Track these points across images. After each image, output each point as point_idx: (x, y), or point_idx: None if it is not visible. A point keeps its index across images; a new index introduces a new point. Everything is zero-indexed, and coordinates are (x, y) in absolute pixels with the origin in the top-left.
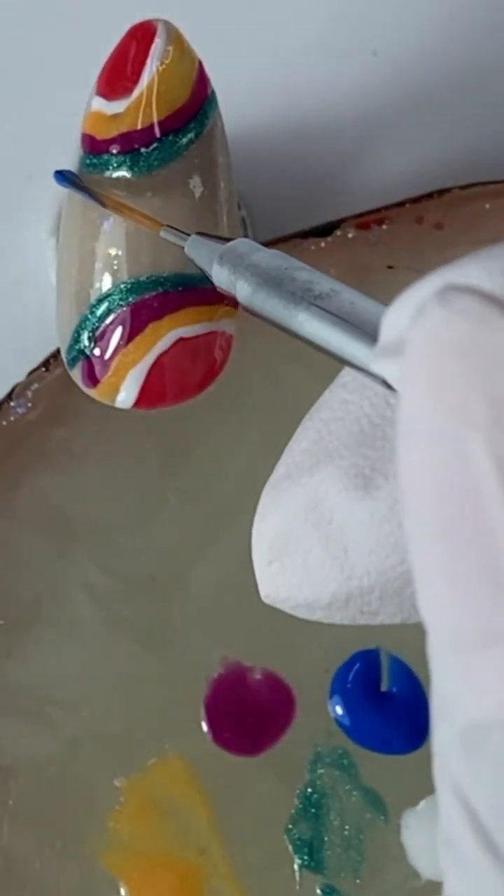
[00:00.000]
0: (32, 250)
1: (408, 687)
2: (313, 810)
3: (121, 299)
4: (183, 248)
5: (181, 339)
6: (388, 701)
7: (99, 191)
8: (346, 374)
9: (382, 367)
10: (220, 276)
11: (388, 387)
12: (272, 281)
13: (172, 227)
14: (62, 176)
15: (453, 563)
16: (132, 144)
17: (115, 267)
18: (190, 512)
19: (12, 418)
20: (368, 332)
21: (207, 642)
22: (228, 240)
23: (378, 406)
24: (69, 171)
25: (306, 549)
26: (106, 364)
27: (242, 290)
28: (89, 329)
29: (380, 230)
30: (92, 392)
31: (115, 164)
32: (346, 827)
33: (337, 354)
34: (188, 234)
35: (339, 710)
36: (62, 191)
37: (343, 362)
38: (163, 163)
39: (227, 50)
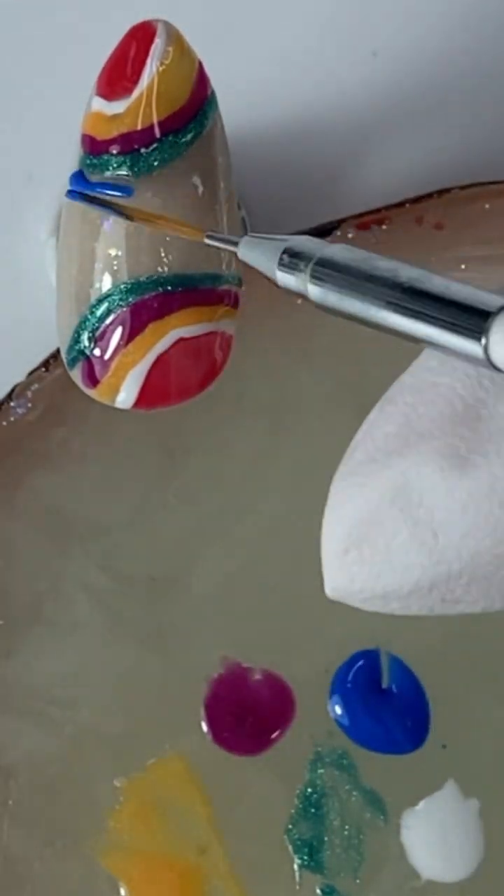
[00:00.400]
0: (32, 250)
1: (408, 687)
2: (313, 810)
3: (121, 299)
4: (235, 252)
5: (181, 340)
6: (387, 701)
7: (125, 204)
8: (432, 359)
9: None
10: (286, 277)
11: (495, 368)
12: (353, 274)
13: (217, 233)
14: (77, 194)
15: None
16: (132, 145)
17: (115, 267)
18: (190, 512)
19: (12, 418)
20: (471, 314)
21: (207, 642)
22: (283, 239)
23: (470, 387)
24: (79, 184)
25: (391, 535)
26: (106, 364)
27: (315, 287)
28: (89, 329)
29: (380, 230)
30: (92, 392)
31: (115, 165)
32: (346, 827)
33: (431, 341)
34: (237, 238)
35: (338, 709)
36: (62, 191)
37: (437, 347)
38: (163, 163)
39: (227, 50)
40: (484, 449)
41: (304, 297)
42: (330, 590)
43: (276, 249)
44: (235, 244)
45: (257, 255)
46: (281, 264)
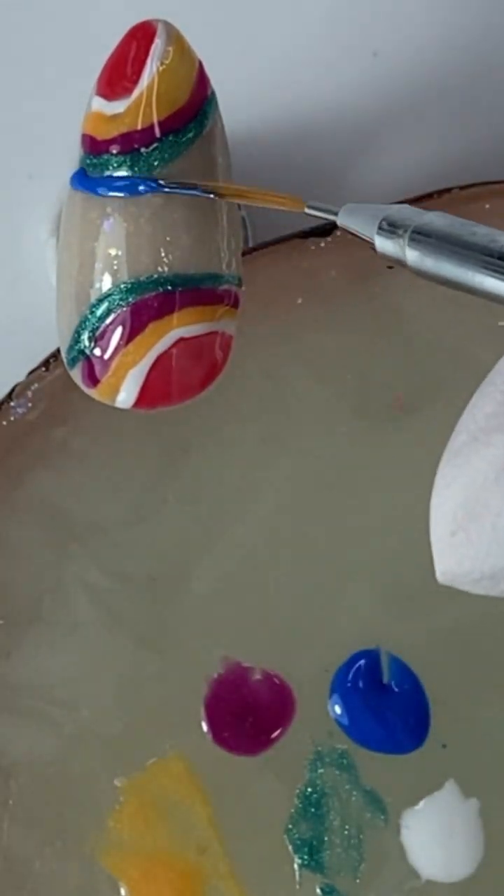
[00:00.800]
0: (32, 250)
1: (408, 687)
2: (313, 810)
3: (121, 299)
4: (334, 221)
5: (181, 339)
6: (387, 701)
7: (209, 183)
8: None
9: None
10: (385, 244)
11: None
12: (450, 240)
13: (317, 203)
14: (154, 184)
15: None
16: (132, 145)
17: (115, 267)
18: (190, 512)
19: (12, 418)
20: None
21: (207, 642)
22: (382, 208)
23: None
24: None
25: (496, 513)
26: (106, 364)
27: (414, 253)
28: (89, 329)
29: None
30: (92, 392)
31: (115, 165)
32: (346, 827)
33: None
34: (336, 208)
35: (338, 709)
36: (62, 191)
37: None
38: (163, 163)
39: (227, 50)
40: None
41: (401, 263)
42: (440, 574)
43: (375, 217)
44: (335, 213)
45: (357, 222)
46: (380, 231)
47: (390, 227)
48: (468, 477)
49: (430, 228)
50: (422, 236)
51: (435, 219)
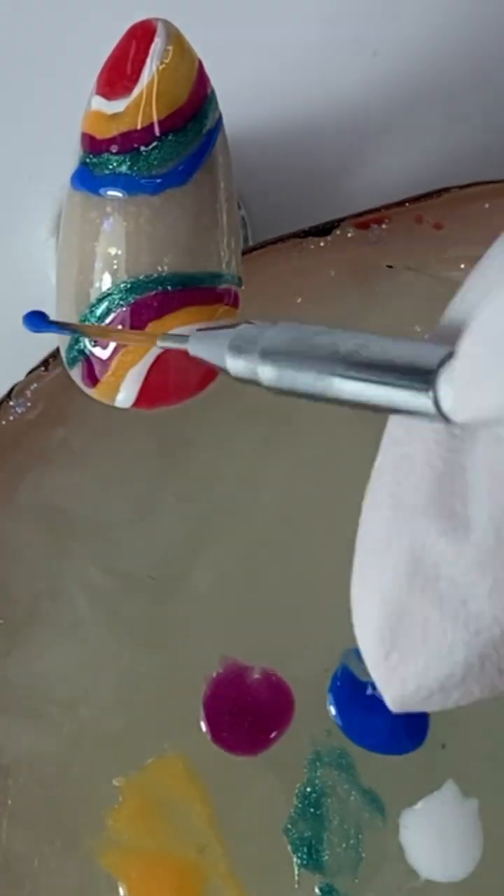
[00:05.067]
0: (32, 250)
1: None
2: (312, 810)
3: (121, 299)
4: (186, 350)
5: None
6: None
7: (80, 324)
8: (395, 429)
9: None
10: (237, 367)
11: (448, 420)
12: (294, 356)
13: (169, 335)
14: (38, 320)
15: None
16: (132, 144)
17: (115, 267)
18: (190, 512)
19: (12, 418)
20: (414, 374)
21: (207, 642)
22: (230, 326)
23: (443, 442)
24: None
25: (422, 620)
26: (105, 364)
27: (266, 374)
28: None
29: (379, 230)
30: (91, 392)
31: (114, 164)
32: (345, 826)
33: (386, 406)
34: (186, 336)
35: (337, 709)
36: (62, 191)
37: (394, 412)
38: (163, 162)
39: (227, 50)
40: (477, 497)
41: (257, 383)
42: (390, 701)
43: (222, 344)
44: (185, 342)
45: (207, 350)
46: (231, 357)
47: (239, 353)
48: (380, 592)
49: (273, 349)
50: (271, 356)
51: (276, 337)
